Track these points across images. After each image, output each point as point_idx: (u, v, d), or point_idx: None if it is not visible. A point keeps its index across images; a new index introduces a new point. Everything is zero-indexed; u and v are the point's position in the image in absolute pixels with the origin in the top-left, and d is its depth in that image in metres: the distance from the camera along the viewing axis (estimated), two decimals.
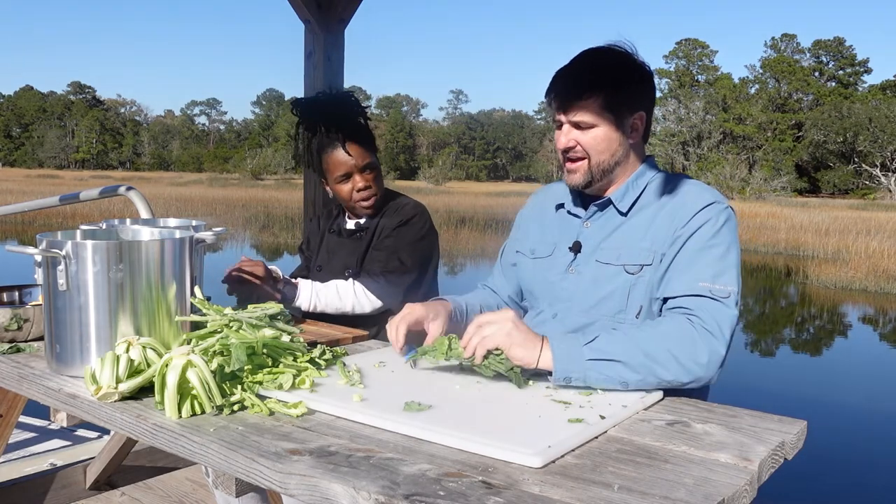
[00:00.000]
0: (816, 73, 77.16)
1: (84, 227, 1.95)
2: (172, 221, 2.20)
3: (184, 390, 1.36)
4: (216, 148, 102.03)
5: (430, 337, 1.73)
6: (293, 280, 2.24)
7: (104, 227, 2.03)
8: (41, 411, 3.90)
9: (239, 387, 1.44)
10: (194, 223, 2.08)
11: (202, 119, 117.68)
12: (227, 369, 1.44)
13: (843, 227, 23.90)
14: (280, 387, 1.47)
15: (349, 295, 2.24)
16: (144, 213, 3.08)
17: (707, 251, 1.64)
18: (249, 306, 1.69)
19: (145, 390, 1.47)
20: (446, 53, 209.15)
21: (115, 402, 1.43)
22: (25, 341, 1.89)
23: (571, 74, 1.74)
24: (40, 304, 1.78)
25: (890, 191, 57.46)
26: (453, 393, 1.50)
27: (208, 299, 1.66)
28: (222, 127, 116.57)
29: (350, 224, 2.44)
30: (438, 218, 24.15)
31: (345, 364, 1.66)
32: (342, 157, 2.29)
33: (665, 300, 1.66)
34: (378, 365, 1.71)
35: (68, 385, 1.55)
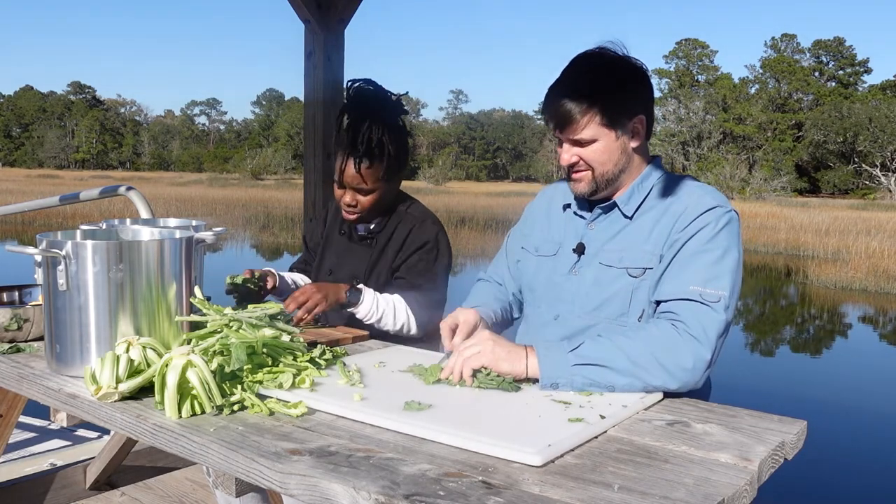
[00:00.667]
0: (816, 73, 77.15)
1: (84, 227, 1.95)
2: (172, 221, 2.20)
3: (184, 390, 1.37)
4: (216, 148, 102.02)
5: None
6: (358, 285, 2.21)
7: (104, 227, 2.03)
8: (41, 411, 3.90)
9: (239, 387, 1.44)
10: (194, 223, 2.08)
11: (202, 119, 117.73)
12: (227, 369, 1.44)
13: (843, 227, 23.90)
14: (280, 386, 1.47)
15: (402, 316, 2.23)
16: (144, 213, 3.08)
17: (702, 255, 1.63)
18: (249, 306, 1.68)
19: (145, 390, 1.47)
20: (446, 53, 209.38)
21: (115, 402, 1.43)
22: (25, 341, 1.89)
23: (564, 93, 1.70)
24: (40, 304, 1.78)
25: (890, 191, 57.46)
26: (453, 393, 1.50)
27: (208, 299, 1.66)
28: (222, 127, 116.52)
29: (361, 228, 2.40)
30: (438, 218, 24.11)
31: (345, 364, 1.66)
32: (348, 169, 2.26)
33: (658, 303, 1.66)
34: (378, 365, 1.71)
35: (68, 385, 1.55)
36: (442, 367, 1.59)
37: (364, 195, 2.28)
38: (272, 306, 1.70)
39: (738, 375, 7.74)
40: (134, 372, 1.46)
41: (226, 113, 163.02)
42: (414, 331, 2.25)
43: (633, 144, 1.75)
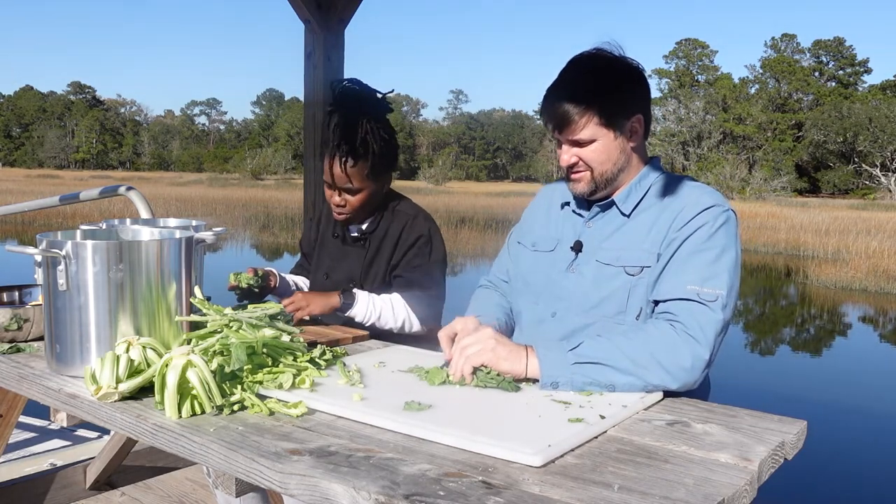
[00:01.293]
0: (816, 73, 77.14)
1: (84, 227, 1.95)
2: (172, 221, 2.20)
3: (184, 390, 1.37)
4: (216, 148, 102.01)
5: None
6: (352, 290, 2.22)
7: (104, 227, 2.04)
8: (41, 411, 3.90)
9: (239, 387, 1.44)
10: (194, 223, 2.08)
11: (202, 119, 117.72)
12: (227, 369, 1.44)
13: (843, 227, 23.90)
14: (280, 386, 1.47)
15: (402, 312, 2.23)
16: (144, 213, 3.08)
17: (699, 254, 1.64)
18: (249, 306, 1.68)
19: (145, 390, 1.47)
20: (446, 53, 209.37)
21: (115, 402, 1.43)
22: (25, 341, 1.89)
23: (563, 94, 1.71)
24: (40, 304, 1.78)
25: (890, 191, 57.45)
26: (453, 393, 1.50)
27: (208, 299, 1.66)
28: (222, 127, 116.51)
29: (353, 230, 2.41)
30: (438, 218, 24.05)
31: (345, 364, 1.66)
32: (334, 168, 2.27)
33: (656, 303, 1.66)
34: (378, 365, 1.71)
35: (68, 385, 1.55)
36: (445, 370, 1.60)
37: (352, 195, 2.29)
38: (272, 306, 1.70)
39: (738, 375, 7.74)
40: (134, 372, 1.46)
41: (226, 113, 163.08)
42: (416, 327, 2.25)
43: (632, 144, 1.76)
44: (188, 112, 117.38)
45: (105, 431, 3.66)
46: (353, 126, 2.22)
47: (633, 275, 1.69)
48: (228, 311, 1.62)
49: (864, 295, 14.41)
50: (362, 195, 2.29)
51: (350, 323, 2.21)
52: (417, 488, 1.05)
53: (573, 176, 1.77)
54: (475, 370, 1.55)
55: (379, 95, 2.29)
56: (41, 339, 1.84)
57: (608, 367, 1.51)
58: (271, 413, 1.37)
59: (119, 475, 3.13)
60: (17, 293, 2.18)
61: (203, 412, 1.37)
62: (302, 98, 3.89)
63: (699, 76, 77.19)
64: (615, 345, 1.54)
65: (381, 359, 1.77)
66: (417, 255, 2.30)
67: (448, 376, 1.57)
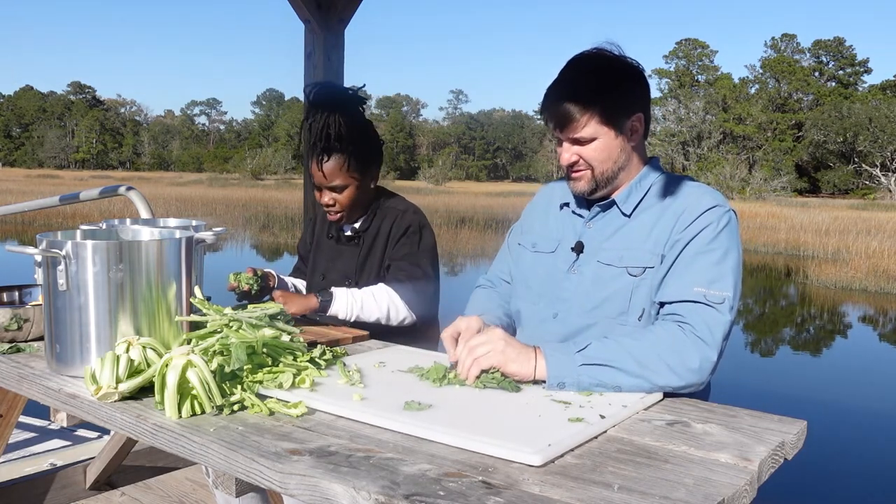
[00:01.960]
0: (816, 73, 77.13)
1: (84, 227, 1.95)
2: (172, 221, 2.20)
3: (184, 390, 1.36)
4: (216, 148, 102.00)
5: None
6: (329, 289, 2.22)
7: (104, 227, 2.04)
8: (41, 411, 3.90)
9: (239, 387, 1.44)
10: (194, 223, 2.08)
11: (202, 119, 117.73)
12: (227, 369, 1.44)
13: (843, 227, 23.90)
14: (280, 386, 1.47)
15: (384, 299, 2.23)
16: (144, 213, 3.08)
17: (704, 256, 1.64)
18: (249, 306, 1.68)
19: (145, 390, 1.47)
20: (446, 53, 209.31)
21: (115, 402, 1.43)
22: (25, 341, 1.89)
23: (563, 92, 1.72)
24: (40, 304, 1.78)
25: (890, 191, 57.45)
26: (453, 393, 1.50)
27: (208, 299, 1.66)
28: (222, 127, 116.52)
29: (347, 230, 2.42)
30: (438, 218, 24.16)
31: (345, 364, 1.66)
32: (314, 169, 2.29)
33: (662, 304, 1.66)
34: (378, 365, 1.71)
35: (68, 385, 1.55)
36: (446, 368, 1.59)
37: (339, 192, 2.30)
38: (272, 306, 1.70)
39: (738, 375, 7.74)
40: (134, 372, 1.46)
41: (226, 113, 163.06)
42: (404, 314, 2.25)
43: (632, 143, 1.76)
44: (188, 112, 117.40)
45: (105, 431, 3.66)
46: (325, 124, 2.24)
47: (635, 275, 1.69)
48: (228, 311, 1.62)
49: (864, 295, 14.41)
50: (349, 192, 2.30)
51: (352, 323, 2.22)
52: (417, 488, 1.05)
53: (573, 175, 1.77)
54: (480, 372, 1.56)
55: (350, 91, 2.32)
56: (41, 339, 1.84)
57: (615, 370, 1.51)
58: (271, 413, 1.37)
59: (119, 475, 3.13)
60: (17, 293, 2.18)
61: (203, 412, 1.37)
62: (302, 98, 3.89)
63: (699, 76, 77.18)
64: (623, 346, 1.54)
65: (381, 359, 1.77)
66: (405, 245, 2.32)
67: (447, 375, 1.57)
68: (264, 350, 1.52)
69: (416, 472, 1.11)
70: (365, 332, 2.08)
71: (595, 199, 1.80)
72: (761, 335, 11.14)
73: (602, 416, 1.36)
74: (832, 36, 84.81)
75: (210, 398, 1.37)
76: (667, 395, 1.54)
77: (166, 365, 1.39)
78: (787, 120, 69.66)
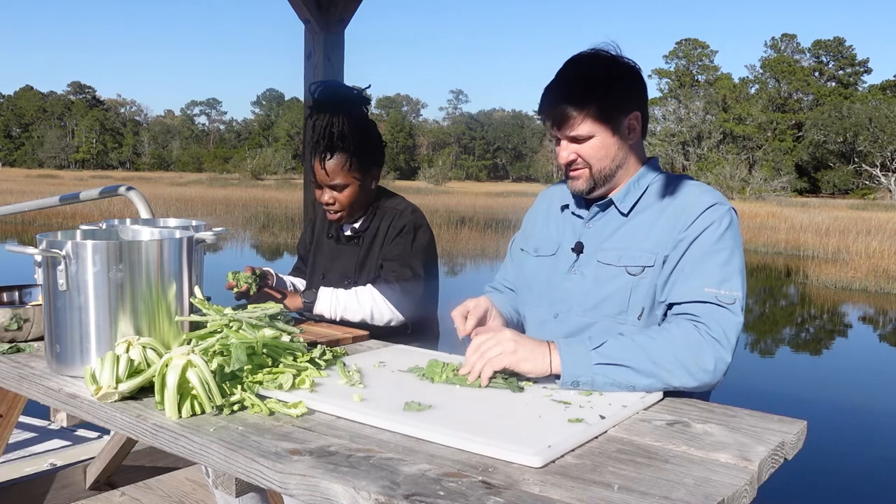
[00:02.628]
0: (816, 73, 77.12)
1: (84, 227, 1.95)
2: (172, 221, 2.20)
3: (184, 390, 1.36)
4: (216, 148, 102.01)
5: (488, 329, 1.72)
6: (313, 289, 2.26)
7: (104, 227, 2.03)
8: (41, 411, 3.90)
9: (239, 387, 1.44)
10: (194, 223, 2.08)
11: (202, 119, 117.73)
12: (227, 369, 1.44)
13: (843, 227, 23.89)
14: (280, 387, 1.47)
15: (367, 300, 2.24)
16: (144, 213, 3.08)
17: (712, 256, 1.64)
18: (249, 306, 1.68)
19: (145, 390, 1.47)
20: (446, 53, 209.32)
21: (115, 402, 1.43)
22: (25, 341, 1.89)
23: (561, 90, 1.73)
24: (40, 304, 1.78)
25: (890, 191, 57.46)
26: (453, 393, 1.50)
27: (208, 299, 1.66)
28: (222, 127, 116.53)
29: (347, 230, 2.43)
30: (438, 218, 24.15)
31: (345, 364, 1.66)
32: (316, 167, 2.30)
33: (670, 305, 1.66)
34: (378, 365, 1.71)
35: (68, 385, 1.55)
36: (444, 364, 1.59)
37: (339, 191, 2.31)
38: (272, 306, 1.70)
39: (738, 375, 7.71)
40: (134, 372, 1.46)
41: (226, 113, 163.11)
42: (391, 317, 2.25)
43: (630, 141, 1.76)
44: (188, 112, 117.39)
45: (105, 431, 3.66)
46: (328, 122, 2.25)
47: (634, 274, 1.69)
48: (228, 311, 1.62)
49: (864, 295, 14.41)
50: (349, 191, 2.31)
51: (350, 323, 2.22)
52: (417, 488, 1.05)
53: (571, 173, 1.77)
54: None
55: (355, 91, 2.33)
56: (41, 339, 1.84)
57: (630, 370, 1.51)
58: (271, 413, 1.37)
59: (119, 475, 3.13)
60: (17, 293, 2.18)
61: (203, 412, 1.37)
62: (302, 98, 3.89)
63: (699, 76, 77.17)
64: (639, 346, 1.53)
65: (381, 359, 1.77)
66: (398, 245, 2.32)
67: (444, 372, 1.56)
68: (264, 350, 1.52)
69: (416, 473, 1.11)
70: (365, 332, 2.08)
71: (593, 198, 1.80)
72: (761, 335, 11.14)
73: (602, 417, 1.36)
74: (832, 36, 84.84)
75: (210, 398, 1.37)
76: (667, 394, 1.54)
77: (166, 365, 1.39)
78: (787, 120, 69.67)
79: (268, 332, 1.57)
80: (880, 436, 6.38)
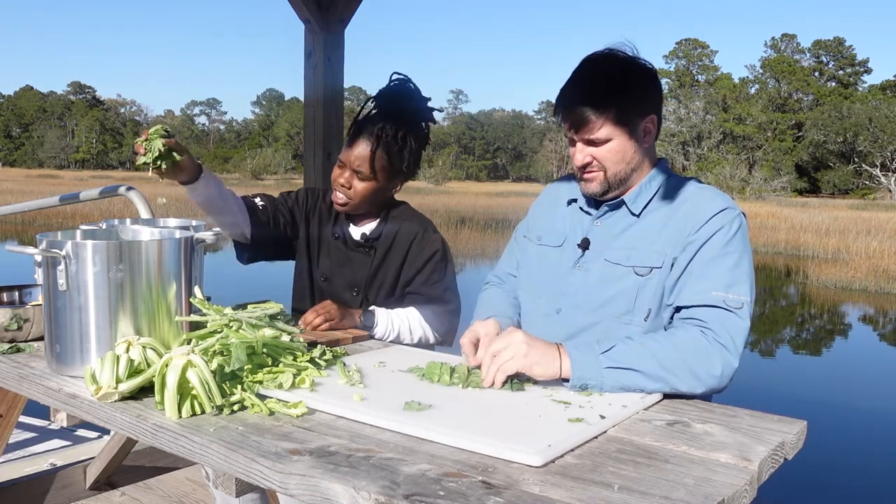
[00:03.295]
0: (816, 73, 77.14)
1: (84, 227, 1.95)
2: (172, 221, 2.20)
3: (184, 390, 1.36)
4: (216, 148, 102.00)
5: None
6: (370, 308, 2.19)
7: (104, 227, 2.03)
8: (41, 411, 3.90)
9: (239, 387, 1.44)
10: (194, 223, 2.08)
11: (202, 119, 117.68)
12: (227, 369, 1.44)
13: (843, 227, 23.90)
14: (280, 386, 1.47)
15: (418, 331, 2.21)
16: (144, 213, 3.08)
17: (720, 260, 1.64)
18: (249, 306, 1.68)
19: (145, 390, 1.47)
20: (446, 53, 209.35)
21: (115, 402, 1.43)
22: (25, 341, 1.89)
23: (579, 92, 1.71)
24: (40, 304, 1.78)
25: (890, 191, 57.47)
26: (453, 393, 1.50)
27: (208, 299, 1.66)
28: (222, 127, 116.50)
29: (356, 234, 2.34)
30: (438, 218, 24.15)
31: (345, 364, 1.66)
32: (353, 146, 2.23)
33: (678, 308, 1.66)
34: (378, 365, 1.71)
35: (68, 385, 1.55)
36: (441, 364, 1.59)
37: (361, 180, 2.23)
38: (272, 306, 1.70)
39: (739, 375, 7.72)
40: (134, 372, 1.46)
41: (226, 113, 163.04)
42: (432, 342, 2.25)
43: (645, 144, 1.76)
44: (188, 112, 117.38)
45: (105, 431, 3.66)
46: (397, 117, 2.21)
47: (642, 275, 1.69)
48: (228, 311, 1.62)
49: (864, 295, 14.42)
50: (370, 185, 2.23)
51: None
52: (417, 488, 1.05)
53: (586, 176, 1.76)
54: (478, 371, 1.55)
55: (429, 105, 2.28)
56: (41, 339, 1.84)
57: (639, 374, 1.51)
58: (271, 413, 1.37)
59: (119, 475, 3.13)
60: (17, 293, 2.18)
61: (203, 412, 1.37)
62: (302, 98, 3.89)
63: (699, 76, 77.23)
64: (648, 350, 1.53)
65: (381, 359, 1.77)
66: (435, 271, 2.27)
67: (443, 373, 1.56)
68: (264, 350, 1.52)
69: (416, 472, 1.11)
70: (364, 332, 2.08)
71: (604, 199, 1.80)
72: (761, 335, 11.13)
73: (602, 417, 1.36)
74: (832, 36, 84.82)
75: (210, 398, 1.37)
76: (667, 394, 1.54)
77: (166, 365, 1.39)
78: (787, 120, 69.68)
79: (268, 332, 1.57)
80: (880, 436, 6.38)
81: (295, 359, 1.57)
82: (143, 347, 1.50)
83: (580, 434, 1.26)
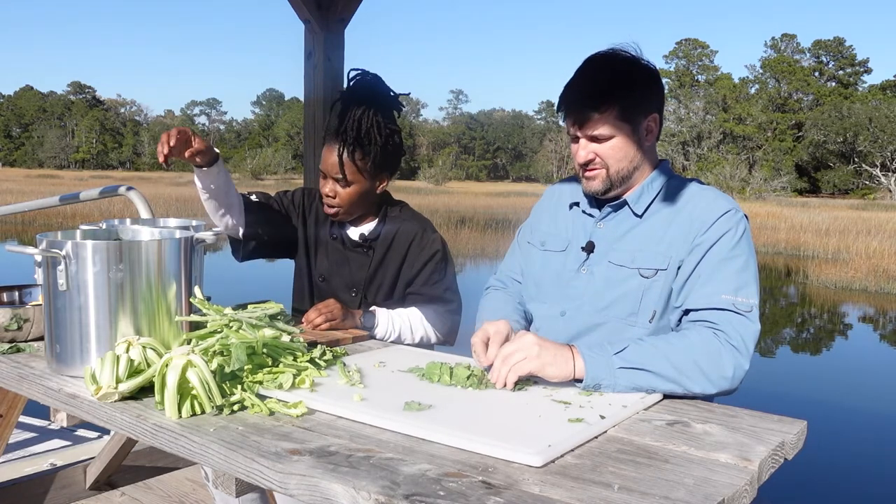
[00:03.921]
0: (816, 73, 77.14)
1: (84, 227, 1.95)
2: (172, 221, 2.20)
3: (184, 390, 1.36)
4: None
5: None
6: (371, 308, 2.19)
7: (104, 227, 2.03)
8: (41, 411, 3.90)
9: (239, 387, 1.44)
10: (194, 223, 2.08)
11: (202, 119, 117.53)
12: (227, 369, 1.44)
13: (843, 227, 23.89)
14: (280, 387, 1.47)
15: (419, 331, 2.22)
16: (144, 213, 3.08)
17: (728, 263, 1.65)
18: (249, 306, 1.68)
19: (145, 390, 1.47)
20: (446, 53, 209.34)
21: (115, 402, 1.43)
22: (25, 341, 1.89)
23: (584, 88, 1.72)
24: (40, 304, 1.78)
25: (890, 191, 57.46)
26: (453, 393, 1.50)
27: (208, 299, 1.66)
28: (222, 127, 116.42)
29: (354, 234, 2.33)
30: (438, 218, 24.15)
31: (345, 364, 1.66)
32: (327, 155, 2.22)
33: (686, 311, 1.66)
34: (378, 365, 1.71)
35: (68, 385, 1.55)
36: (441, 364, 1.59)
37: (342, 186, 2.22)
38: (272, 306, 1.70)
39: None
40: (134, 372, 1.46)
41: (226, 113, 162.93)
42: (434, 341, 2.25)
43: (647, 143, 1.77)
44: (188, 112, 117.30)
45: (105, 431, 3.66)
46: (358, 116, 2.18)
47: (647, 277, 1.69)
48: (228, 311, 1.62)
49: (864, 295, 14.41)
50: (353, 189, 2.22)
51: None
52: (417, 488, 1.05)
53: (588, 173, 1.77)
54: (482, 375, 1.56)
55: (392, 94, 2.26)
56: (41, 339, 1.84)
57: (652, 374, 1.51)
58: (271, 413, 1.37)
59: (119, 475, 3.13)
60: (17, 293, 2.18)
61: (203, 412, 1.37)
62: (302, 98, 3.89)
63: (699, 76, 77.22)
64: (660, 351, 1.53)
65: (381, 359, 1.77)
66: (436, 271, 2.27)
67: (443, 373, 1.56)
68: (264, 350, 1.52)
69: (416, 472, 1.11)
70: (364, 332, 2.08)
71: (606, 199, 1.80)
72: (761, 335, 11.08)
73: (602, 417, 1.36)
74: (832, 36, 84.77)
75: (210, 398, 1.37)
76: (667, 395, 1.54)
77: (166, 365, 1.39)
78: (787, 120, 69.69)
79: (268, 332, 1.57)
80: (880, 436, 6.38)
81: (295, 359, 1.57)
82: (143, 347, 1.50)
83: (580, 434, 1.26)
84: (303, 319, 2.09)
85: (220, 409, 1.37)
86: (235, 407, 1.39)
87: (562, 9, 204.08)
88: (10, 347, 1.82)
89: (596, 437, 1.28)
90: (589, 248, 1.79)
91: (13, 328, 1.87)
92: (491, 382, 1.54)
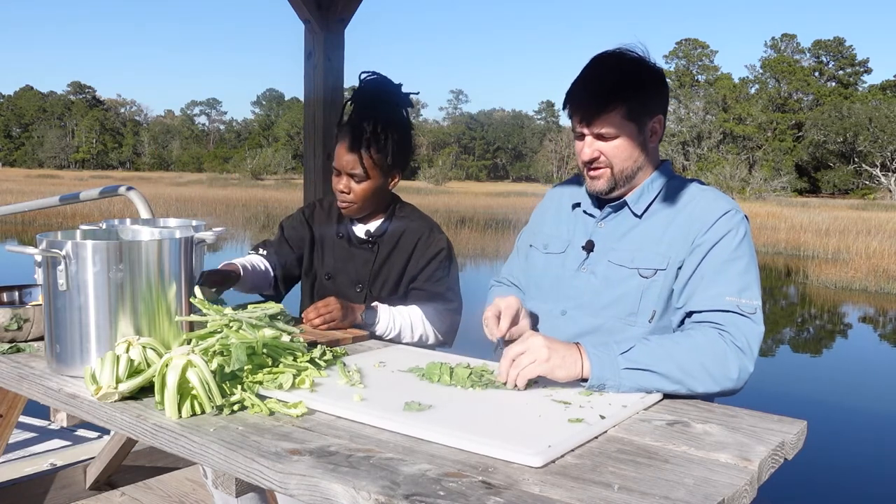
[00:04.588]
0: (816, 73, 77.13)
1: (84, 227, 1.95)
2: (172, 221, 2.20)
3: (184, 390, 1.36)
4: (216, 148, 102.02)
5: (520, 330, 1.73)
6: (372, 304, 2.20)
7: (104, 227, 2.03)
8: (41, 411, 3.90)
9: (239, 387, 1.44)
10: (194, 223, 2.08)
11: (202, 119, 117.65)
12: (227, 369, 1.44)
13: (843, 227, 23.89)
14: (280, 387, 1.47)
15: (419, 328, 2.22)
16: (144, 213, 3.08)
17: (731, 264, 1.65)
18: (249, 306, 1.68)
19: (145, 390, 1.47)
20: (446, 53, 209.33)
21: (115, 402, 1.43)
22: (25, 341, 1.89)
23: (591, 86, 1.72)
24: (40, 304, 1.78)
25: (890, 191, 57.45)
26: (453, 393, 1.50)
27: (221, 302, 1.66)
28: (222, 127, 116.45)
29: (360, 231, 2.36)
30: (438, 218, 24.08)
31: (345, 364, 1.66)
32: (342, 151, 2.25)
33: (690, 313, 1.66)
34: (378, 365, 1.71)
35: (68, 385, 1.55)
36: (441, 364, 1.59)
37: (357, 182, 2.25)
38: (272, 306, 1.70)
39: None
40: (134, 372, 1.46)
41: (226, 113, 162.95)
42: (432, 340, 2.25)
43: (651, 144, 1.78)
44: (188, 112, 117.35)
45: (105, 431, 3.66)
46: (374, 114, 2.22)
47: (646, 277, 1.70)
48: (228, 311, 1.62)
49: (864, 295, 14.41)
50: (367, 185, 2.25)
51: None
52: (417, 488, 1.05)
53: (592, 172, 1.77)
54: (482, 373, 1.56)
55: (402, 91, 2.30)
56: (41, 339, 1.84)
57: (657, 375, 1.51)
58: (271, 413, 1.37)
59: (119, 475, 3.13)
60: (17, 293, 2.18)
61: (203, 412, 1.37)
62: (302, 98, 3.89)
63: (699, 76, 77.19)
64: (666, 351, 1.53)
65: (381, 359, 1.77)
66: (438, 269, 2.28)
67: (443, 373, 1.56)
68: (264, 350, 1.52)
69: (416, 472, 1.11)
70: (365, 332, 2.08)
71: (608, 199, 1.80)
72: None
73: (602, 417, 1.36)
74: (832, 36, 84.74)
75: (210, 398, 1.37)
76: (667, 395, 1.54)
77: (166, 365, 1.39)
78: (787, 120, 69.68)
79: (268, 332, 1.57)
80: (880, 436, 6.38)
81: (295, 359, 1.57)
82: (143, 347, 1.50)
83: (580, 434, 1.26)
84: (303, 316, 2.11)
85: (220, 409, 1.37)
86: (235, 407, 1.39)
87: (562, 9, 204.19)
88: (10, 347, 1.82)
89: (596, 438, 1.28)
90: (589, 247, 1.79)
91: (13, 328, 1.87)
92: (492, 380, 1.54)
